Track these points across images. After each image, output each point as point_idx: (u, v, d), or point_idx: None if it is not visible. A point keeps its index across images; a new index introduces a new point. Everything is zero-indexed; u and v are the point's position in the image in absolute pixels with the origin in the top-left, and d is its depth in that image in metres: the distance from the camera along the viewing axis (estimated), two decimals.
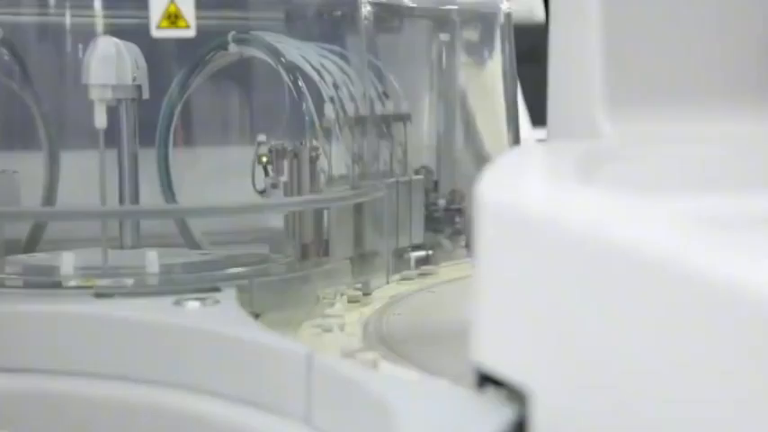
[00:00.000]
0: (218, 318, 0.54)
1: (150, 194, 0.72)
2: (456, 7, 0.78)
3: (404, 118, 0.76)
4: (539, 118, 0.86)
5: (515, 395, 0.40)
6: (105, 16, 0.70)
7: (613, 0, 0.54)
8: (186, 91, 0.73)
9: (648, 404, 0.34)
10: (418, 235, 0.75)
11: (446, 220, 0.81)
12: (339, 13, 0.71)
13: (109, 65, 0.62)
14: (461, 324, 0.64)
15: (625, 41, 0.55)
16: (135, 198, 0.70)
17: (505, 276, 0.40)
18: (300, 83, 0.68)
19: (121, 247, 0.69)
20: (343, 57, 0.70)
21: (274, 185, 0.68)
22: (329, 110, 0.69)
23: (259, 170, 0.69)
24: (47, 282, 0.64)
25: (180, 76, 0.72)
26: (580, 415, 0.37)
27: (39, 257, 0.69)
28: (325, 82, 0.69)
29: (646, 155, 0.51)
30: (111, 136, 0.75)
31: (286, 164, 0.68)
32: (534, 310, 0.38)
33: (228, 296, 0.58)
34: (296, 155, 0.67)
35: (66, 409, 0.53)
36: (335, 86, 0.69)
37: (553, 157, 0.49)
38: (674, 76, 0.56)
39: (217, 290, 0.59)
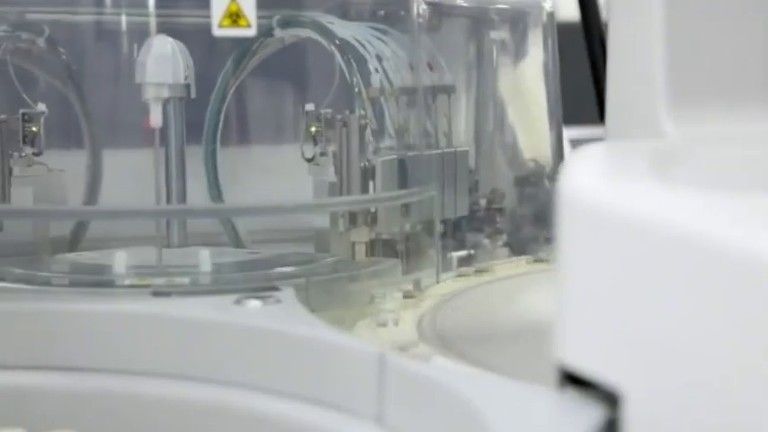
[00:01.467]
0: (283, 317, 0.54)
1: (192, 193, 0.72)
2: (506, 6, 0.78)
3: (448, 90, 0.75)
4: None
5: (603, 396, 0.40)
6: (148, 15, 0.70)
7: None
8: (233, 85, 0.73)
9: (753, 409, 0.34)
10: (463, 207, 0.75)
11: (487, 220, 0.81)
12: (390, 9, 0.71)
13: (165, 63, 0.62)
14: (516, 321, 0.65)
15: (688, 40, 0.55)
16: (183, 197, 0.70)
17: (598, 274, 0.40)
18: (348, 56, 0.68)
19: (168, 246, 0.69)
20: (389, 33, 0.70)
21: (323, 154, 0.68)
22: (375, 80, 0.69)
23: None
24: (99, 281, 0.64)
25: (226, 72, 0.72)
26: (677, 418, 0.36)
27: (88, 256, 0.69)
28: (369, 54, 0.68)
29: (712, 155, 0.51)
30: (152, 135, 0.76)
31: (335, 133, 0.68)
32: (630, 309, 0.38)
33: (288, 295, 0.58)
34: (345, 123, 0.67)
35: (130, 408, 0.53)
36: (380, 59, 0.69)
37: (626, 158, 0.49)
38: (736, 75, 0.56)
39: (275, 289, 0.59)
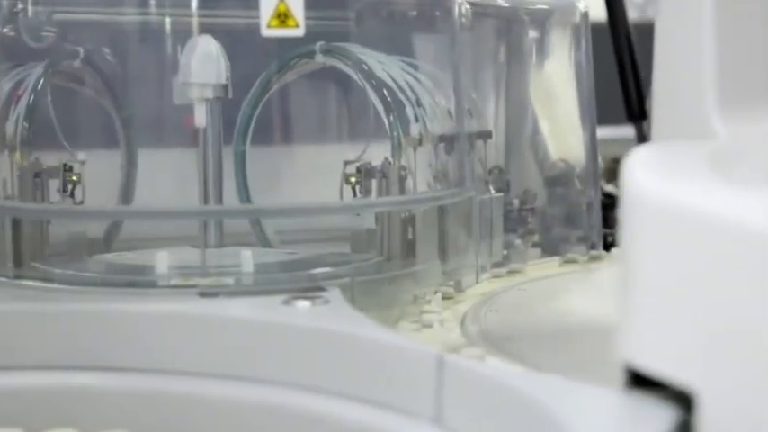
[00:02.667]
0: (335, 317, 0.54)
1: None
2: (545, 6, 0.78)
3: (485, 136, 0.75)
4: None
5: (673, 396, 0.40)
6: (187, 15, 0.70)
7: None
8: (266, 94, 0.73)
9: None
10: (498, 252, 0.75)
11: (519, 220, 0.81)
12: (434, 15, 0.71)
13: (210, 63, 0.62)
14: (557, 322, 0.65)
15: (737, 39, 0.55)
16: (219, 198, 0.70)
17: (668, 273, 0.40)
18: (388, 98, 0.68)
19: (205, 246, 0.69)
20: (431, 73, 0.70)
21: None
22: (414, 129, 0.69)
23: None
24: (142, 281, 0.64)
25: (262, 79, 0.72)
26: (755, 419, 0.36)
27: (127, 257, 0.69)
28: (409, 100, 0.68)
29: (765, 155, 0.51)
30: (185, 135, 0.76)
31: (374, 183, 0.68)
32: (703, 307, 0.38)
33: (336, 295, 0.58)
34: (384, 175, 0.67)
35: (183, 409, 0.53)
36: (419, 104, 0.69)
37: (685, 158, 0.49)
38: None
39: (321, 289, 0.59)
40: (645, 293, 0.41)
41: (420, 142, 0.69)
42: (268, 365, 0.53)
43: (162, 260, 0.63)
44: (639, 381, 0.42)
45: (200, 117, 0.64)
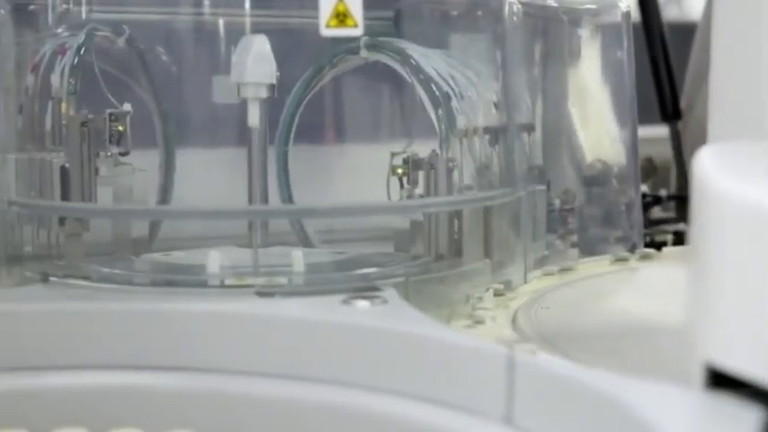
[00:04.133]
0: (397, 317, 0.54)
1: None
2: (592, 6, 0.78)
3: (528, 128, 0.75)
4: None
5: (755, 396, 0.40)
6: (231, 15, 0.70)
7: None
8: (309, 92, 0.73)
9: None
10: (541, 246, 0.75)
11: (560, 220, 0.81)
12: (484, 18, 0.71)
13: (265, 63, 0.62)
14: (609, 320, 0.65)
15: None
16: (265, 197, 0.70)
17: (750, 272, 0.40)
18: (436, 92, 0.68)
19: (250, 246, 0.69)
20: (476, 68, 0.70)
21: (410, 197, 0.68)
22: (460, 121, 0.69)
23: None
24: (194, 281, 0.63)
25: (305, 77, 0.72)
26: None
27: (177, 256, 0.69)
28: (455, 93, 0.68)
29: None
30: (223, 135, 0.76)
31: (421, 174, 0.68)
32: None
33: (392, 295, 0.58)
34: (432, 166, 0.67)
35: (246, 409, 0.53)
36: (463, 97, 0.69)
37: (752, 158, 0.49)
38: None
39: (376, 289, 0.59)
40: (725, 292, 0.41)
41: (466, 135, 0.69)
42: (330, 365, 0.53)
43: (214, 260, 0.63)
44: (717, 380, 0.42)
45: (254, 117, 0.64)
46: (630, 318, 0.65)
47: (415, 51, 0.68)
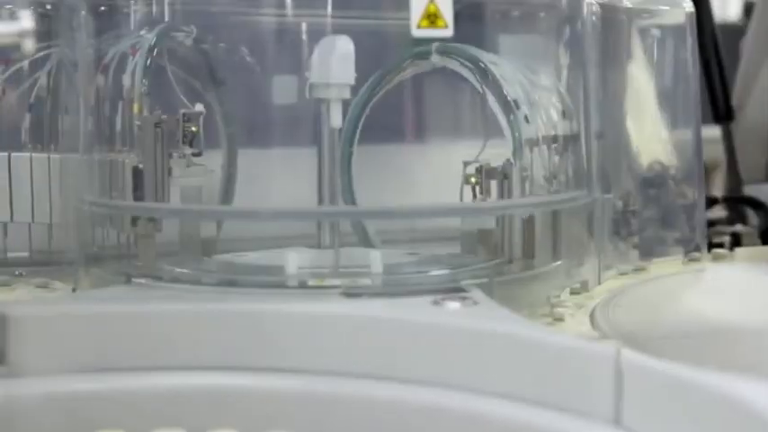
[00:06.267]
0: (492, 318, 0.54)
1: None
2: (665, 7, 0.78)
3: (599, 137, 0.75)
4: None
5: None
6: (298, 15, 0.70)
7: None
8: (376, 95, 0.72)
9: None
10: (606, 256, 0.75)
11: (623, 222, 0.80)
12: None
13: (349, 63, 0.62)
14: (686, 320, 0.64)
15: None
16: (334, 198, 0.70)
17: None
18: (508, 98, 0.67)
19: (319, 247, 0.69)
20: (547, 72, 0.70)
21: None
22: (530, 129, 0.68)
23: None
24: (274, 281, 0.63)
25: (373, 80, 0.72)
26: None
27: (250, 257, 0.69)
28: (525, 101, 0.68)
29: None
30: (292, 135, 0.75)
31: (494, 184, 0.67)
32: None
33: (480, 296, 0.57)
34: (505, 175, 0.67)
35: (340, 410, 0.53)
36: (534, 105, 0.69)
37: None
38: None
39: (462, 290, 0.59)
40: None
41: (537, 143, 0.68)
42: (429, 366, 0.52)
43: (292, 261, 0.63)
44: None
45: (336, 117, 0.64)
46: (708, 318, 0.64)
47: (487, 58, 0.68)
